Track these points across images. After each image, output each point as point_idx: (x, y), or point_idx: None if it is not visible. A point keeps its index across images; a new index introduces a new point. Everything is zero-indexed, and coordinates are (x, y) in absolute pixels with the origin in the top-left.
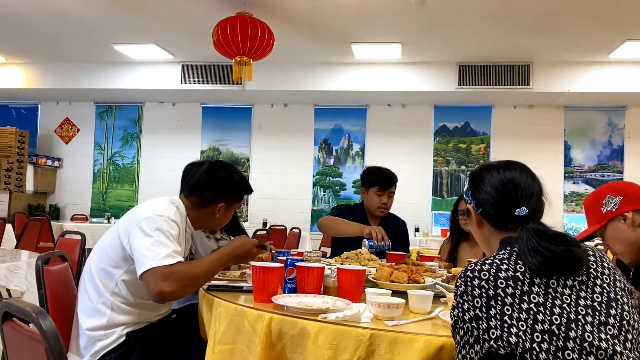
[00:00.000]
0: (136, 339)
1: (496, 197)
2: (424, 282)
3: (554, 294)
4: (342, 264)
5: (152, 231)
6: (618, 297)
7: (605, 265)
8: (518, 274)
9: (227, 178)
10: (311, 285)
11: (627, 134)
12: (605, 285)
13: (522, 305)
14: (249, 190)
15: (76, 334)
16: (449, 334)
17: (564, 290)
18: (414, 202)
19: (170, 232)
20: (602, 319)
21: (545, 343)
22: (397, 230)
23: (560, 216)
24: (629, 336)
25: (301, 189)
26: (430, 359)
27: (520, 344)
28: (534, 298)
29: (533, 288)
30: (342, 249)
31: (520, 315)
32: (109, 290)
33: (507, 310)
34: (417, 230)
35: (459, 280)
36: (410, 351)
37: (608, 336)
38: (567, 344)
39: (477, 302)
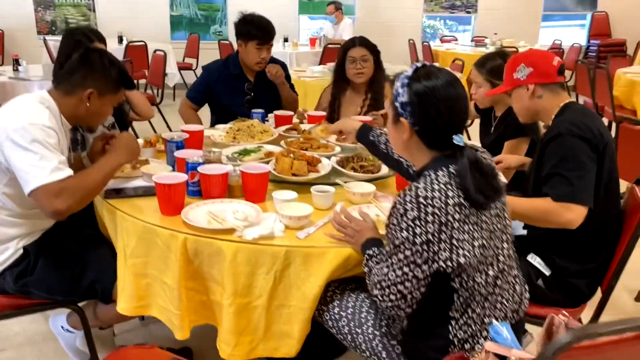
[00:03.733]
0: (36, 252)
1: (439, 123)
2: (321, 169)
3: (480, 215)
4: (234, 138)
5: (28, 144)
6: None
7: None
8: (461, 199)
9: (100, 62)
10: (216, 190)
11: None
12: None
13: (464, 227)
14: (126, 82)
15: None
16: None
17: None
18: (278, 5)
19: (48, 142)
20: (503, 224)
21: (481, 257)
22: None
23: (420, 16)
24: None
25: None
26: (339, 266)
27: (468, 262)
28: (471, 219)
29: (471, 209)
30: (224, 116)
31: (464, 236)
32: None
33: (455, 233)
34: (285, 40)
35: (410, 205)
36: (322, 262)
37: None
38: (488, 254)
39: (430, 227)
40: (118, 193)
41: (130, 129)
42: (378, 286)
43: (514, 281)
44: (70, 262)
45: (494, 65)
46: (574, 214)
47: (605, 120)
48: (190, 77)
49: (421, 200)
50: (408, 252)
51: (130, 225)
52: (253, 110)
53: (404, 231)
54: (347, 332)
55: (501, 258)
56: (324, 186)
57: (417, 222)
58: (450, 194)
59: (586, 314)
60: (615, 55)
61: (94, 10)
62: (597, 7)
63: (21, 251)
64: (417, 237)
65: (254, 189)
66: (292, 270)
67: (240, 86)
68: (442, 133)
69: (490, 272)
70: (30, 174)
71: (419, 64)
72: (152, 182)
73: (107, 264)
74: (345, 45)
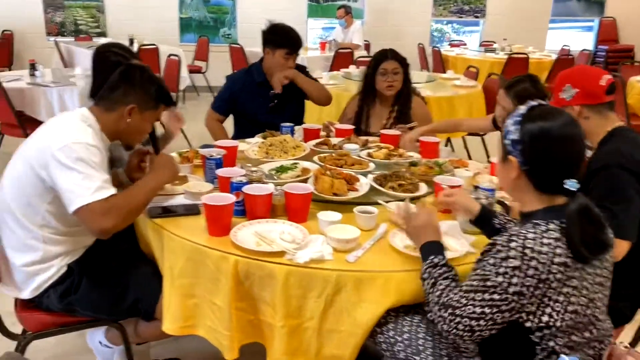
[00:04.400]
0: (80, 271)
1: (551, 166)
2: (359, 188)
3: (585, 276)
4: (267, 153)
5: (72, 163)
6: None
7: None
8: (568, 260)
9: (140, 78)
10: (261, 210)
11: None
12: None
13: (562, 289)
14: (167, 98)
15: (7, 269)
16: (404, 267)
17: (590, 270)
18: (286, 8)
19: (93, 160)
20: (603, 294)
21: (570, 321)
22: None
23: (429, 20)
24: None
25: None
26: (391, 293)
27: (551, 323)
28: (573, 282)
29: (575, 273)
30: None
31: (559, 297)
32: (36, 225)
33: (550, 293)
34: None
35: (514, 252)
36: (373, 287)
37: (604, 313)
38: (582, 321)
39: (528, 281)
40: (163, 212)
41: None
42: (445, 310)
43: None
44: (112, 280)
45: (521, 89)
46: (616, 250)
47: None
48: (200, 81)
49: (527, 252)
50: (496, 297)
51: (177, 245)
52: (282, 125)
53: (500, 276)
54: (403, 358)
55: (598, 325)
56: (367, 207)
57: (517, 272)
58: (558, 251)
59: (626, 334)
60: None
61: (104, 12)
62: (604, 13)
63: (65, 269)
64: (512, 286)
65: (297, 209)
66: (343, 295)
67: (264, 94)
68: (554, 176)
69: (582, 335)
70: (75, 193)
71: (534, 103)
72: (195, 200)
73: (148, 282)
74: (377, 58)
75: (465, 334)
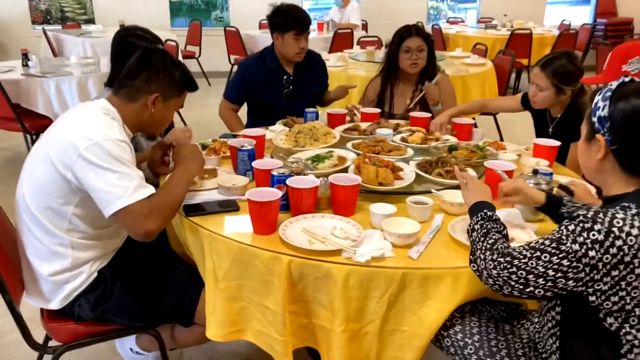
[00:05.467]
0: (112, 276)
1: None
2: (404, 176)
3: None
4: (296, 141)
5: (104, 162)
6: None
7: None
8: None
9: (162, 64)
10: (307, 204)
11: None
12: None
13: None
14: (191, 83)
15: (32, 280)
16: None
17: None
18: None
19: (124, 157)
20: None
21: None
22: (315, 69)
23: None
24: None
25: None
26: (459, 289)
27: (618, 304)
28: None
29: None
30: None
31: (634, 283)
32: (63, 230)
33: (627, 277)
34: None
35: (599, 225)
36: (439, 285)
37: None
38: None
39: (607, 258)
40: (198, 210)
41: None
42: (502, 256)
43: None
44: (148, 285)
45: (558, 66)
46: None
47: None
48: (193, 66)
49: (614, 229)
50: (565, 262)
51: (222, 246)
52: (307, 110)
53: (577, 244)
54: None
55: None
56: (420, 197)
57: (596, 246)
58: None
59: None
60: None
61: None
62: None
63: (95, 275)
64: (586, 258)
65: (344, 202)
66: (408, 293)
67: (279, 79)
68: None
69: None
70: (113, 194)
71: (626, 78)
72: (230, 195)
73: (186, 284)
74: (400, 35)
75: (516, 284)
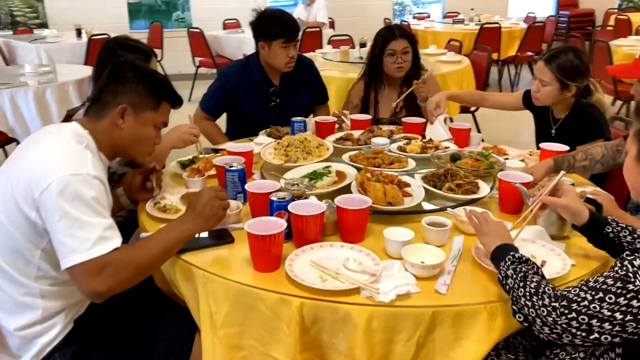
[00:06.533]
0: (91, 326)
1: None
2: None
3: None
4: (286, 155)
5: (68, 202)
6: None
7: None
8: None
9: (130, 73)
10: (313, 232)
11: None
12: None
13: None
14: (169, 94)
15: None
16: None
17: None
18: None
19: (94, 198)
20: None
21: None
22: (304, 78)
23: None
24: None
25: None
26: (496, 326)
27: None
28: None
29: None
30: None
31: None
32: (31, 277)
33: None
34: None
35: None
36: (474, 322)
37: None
38: None
39: None
40: (188, 244)
41: None
42: (556, 301)
43: None
44: (132, 334)
45: (564, 60)
46: None
47: (606, 97)
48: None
49: None
50: (635, 303)
51: (219, 287)
52: (294, 119)
53: None
54: None
55: None
56: (436, 216)
57: None
58: None
59: None
60: (584, 27)
61: (42, 1)
62: None
63: (71, 325)
64: None
65: (354, 228)
66: (438, 334)
67: (265, 92)
68: None
69: None
70: (68, 247)
71: None
72: (223, 224)
73: (177, 330)
74: (383, 37)
75: (577, 331)
